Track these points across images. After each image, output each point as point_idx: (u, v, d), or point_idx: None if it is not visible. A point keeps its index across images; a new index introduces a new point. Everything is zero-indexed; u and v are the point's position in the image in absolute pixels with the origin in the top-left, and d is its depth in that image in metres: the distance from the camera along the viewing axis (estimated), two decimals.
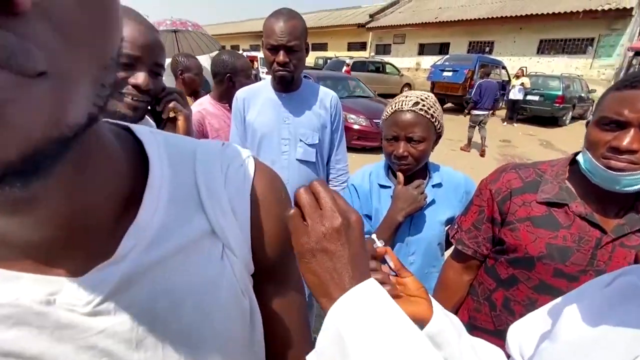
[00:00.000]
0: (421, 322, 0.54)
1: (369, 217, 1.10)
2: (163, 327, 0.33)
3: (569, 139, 7.98)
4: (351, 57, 13.46)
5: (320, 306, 0.38)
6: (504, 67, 11.72)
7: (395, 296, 0.56)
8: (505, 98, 9.87)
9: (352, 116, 6.10)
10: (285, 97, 1.43)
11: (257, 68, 9.88)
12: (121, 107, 0.78)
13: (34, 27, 0.16)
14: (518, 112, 9.76)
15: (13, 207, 0.23)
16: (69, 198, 0.26)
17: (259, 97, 1.45)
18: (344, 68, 11.74)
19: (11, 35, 0.15)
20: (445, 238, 1.10)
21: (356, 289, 0.36)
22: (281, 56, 1.26)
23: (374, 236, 0.61)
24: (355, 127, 6.07)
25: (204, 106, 1.75)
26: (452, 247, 1.02)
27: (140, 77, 0.77)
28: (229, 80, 1.75)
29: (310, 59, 18.74)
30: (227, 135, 1.65)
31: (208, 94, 1.85)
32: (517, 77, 9.43)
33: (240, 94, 1.46)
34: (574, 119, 10.40)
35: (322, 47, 22.03)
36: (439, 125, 1.03)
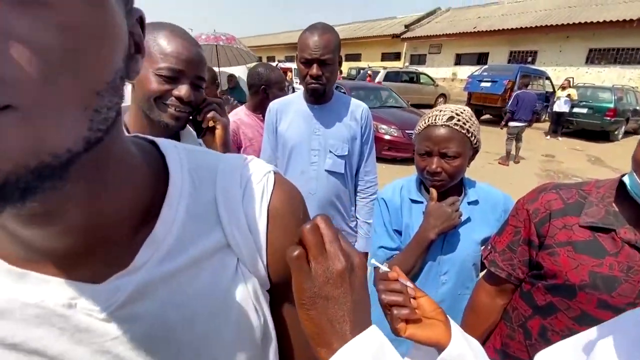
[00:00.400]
0: (438, 346, 0.51)
1: (399, 233, 1.08)
2: (174, 339, 0.33)
3: (622, 155, 7.35)
4: (384, 68, 13.42)
5: (318, 357, 0.35)
6: (547, 78, 11.12)
7: (415, 321, 0.54)
8: (548, 110, 9.31)
9: (384, 126, 6.04)
10: (317, 109, 1.45)
11: (292, 79, 10.13)
12: (165, 117, 0.84)
13: None
14: (563, 125, 9.18)
15: (31, 221, 0.25)
16: (87, 211, 0.28)
17: (291, 108, 1.48)
18: (366, 77, 11.87)
19: None
20: (481, 259, 1.05)
21: (358, 339, 0.33)
22: (314, 69, 1.29)
23: (373, 261, 0.60)
24: (386, 137, 6.00)
25: (239, 116, 1.82)
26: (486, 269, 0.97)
27: (183, 90, 0.82)
28: (263, 92, 1.82)
29: (343, 69, 18.93)
30: (259, 145, 1.70)
31: (243, 105, 1.93)
32: (563, 88, 8.88)
33: (274, 105, 1.51)
34: (627, 133, 9.59)
35: (356, 57, 22.18)
36: (475, 140, 0.99)
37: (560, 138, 9.00)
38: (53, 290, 0.29)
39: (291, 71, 10.58)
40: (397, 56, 20.12)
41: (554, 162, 6.87)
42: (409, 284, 0.56)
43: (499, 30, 14.49)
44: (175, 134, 0.95)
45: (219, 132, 0.95)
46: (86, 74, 0.21)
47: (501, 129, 6.42)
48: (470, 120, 0.98)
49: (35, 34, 0.18)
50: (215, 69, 5.21)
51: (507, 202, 1.07)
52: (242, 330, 0.37)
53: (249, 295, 0.38)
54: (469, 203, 1.04)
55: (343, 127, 1.46)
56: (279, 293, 0.42)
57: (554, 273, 0.77)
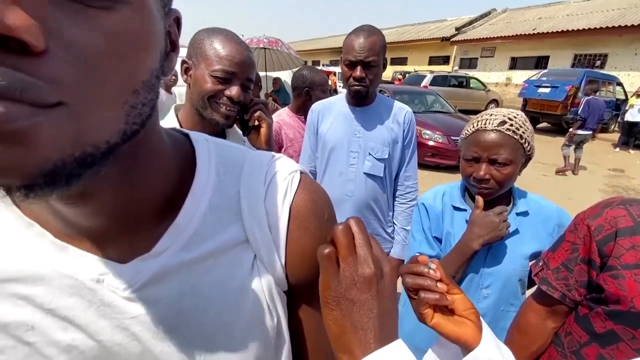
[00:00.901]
0: (466, 347, 0.48)
1: (439, 240, 1.03)
2: (187, 326, 0.34)
3: None
4: (432, 72, 12.99)
5: None
6: (619, 84, 10.01)
7: (444, 310, 0.50)
8: (619, 119, 8.37)
9: (428, 132, 5.84)
10: (359, 111, 1.44)
11: (335, 82, 10.19)
12: (216, 115, 0.91)
13: (47, 64, 0.19)
14: (636, 137, 8.19)
15: (70, 200, 0.27)
16: (119, 195, 0.30)
17: (332, 110, 1.49)
18: (395, 81, 11.45)
19: (22, 75, 0.18)
20: (529, 275, 0.97)
21: (382, 352, 0.31)
22: (358, 71, 1.28)
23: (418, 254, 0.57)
24: (430, 143, 5.79)
25: (281, 117, 1.87)
26: (535, 287, 0.89)
27: (234, 90, 0.89)
28: (306, 94, 1.85)
29: (388, 73, 18.69)
30: (299, 146, 1.72)
31: (287, 107, 1.98)
32: (638, 95, 7.95)
33: (316, 106, 1.53)
34: None
35: (402, 61, 21.73)
36: (529, 147, 0.92)
37: (631, 151, 8.04)
38: (86, 264, 0.32)
39: (334, 75, 10.65)
40: (445, 60, 19.37)
41: (623, 178, 6.14)
42: (436, 272, 0.51)
43: (562, 31, 13.34)
44: (222, 132, 1.00)
45: (263, 130, 1.00)
46: (126, 75, 0.23)
47: (571, 137, 5.81)
48: (524, 125, 0.91)
49: (85, 39, 0.20)
50: (262, 73, 5.43)
51: (562, 216, 0.98)
52: (253, 328, 0.37)
53: (263, 294, 0.38)
54: (517, 214, 0.97)
55: (384, 130, 1.43)
56: (297, 296, 0.42)
57: (618, 298, 0.68)
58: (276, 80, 5.26)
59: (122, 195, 0.30)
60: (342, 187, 1.45)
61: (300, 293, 0.42)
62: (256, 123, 1.00)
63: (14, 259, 0.31)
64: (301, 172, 0.42)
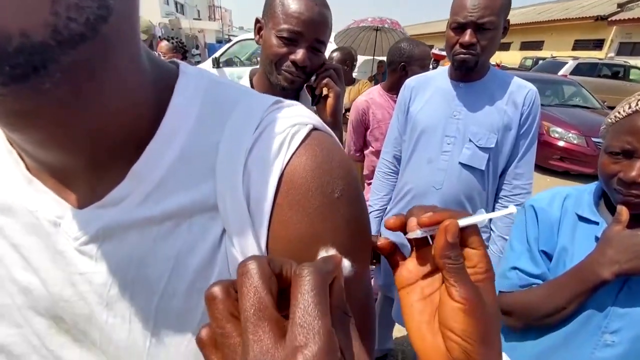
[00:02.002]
0: None
1: (548, 256, 0.78)
2: (132, 300, 0.28)
3: None
4: (575, 58, 10.62)
5: None
6: None
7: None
8: None
9: (558, 129, 4.83)
10: (462, 88, 1.20)
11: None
12: (281, 80, 0.84)
13: None
14: None
15: (10, 122, 0.23)
16: (71, 122, 0.24)
17: (429, 86, 1.28)
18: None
19: None
20: None
21: None
22: (467, 36, 1.05)
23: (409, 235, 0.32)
24: (560, 144, 4.78)
25: (371, 95, 1.73)
26: None
27: (299, 54, 0.81)
28: (402, 69, 1.65)
29: (515, 59, 16.14)
30: (387, 128, 1.57)
31: (379, 84, 1.82)
32: None
33: (410, 82, 1.34)
34: None
35: (536, 45, 18.42)
36: None
37: None
38: (47, 203, 0.29)
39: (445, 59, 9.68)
40: (597, 44, 15.58)
41: None
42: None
43: None
44: (296, 96, 0.94)
45: (330, 100, 0.89)
46: None
47: None
48: None
49: None
50: (368, 57, 5.24)
51: None
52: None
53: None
54: None
55: (494, 112, 1.16)
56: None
57: None
58: (381, 63, 5.04)
59: (76, 124, 0.24)
60: (430, 177, 1.25)
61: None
62: (324, 92, 0.90)
63: None
64: (314, 128, 0.31)
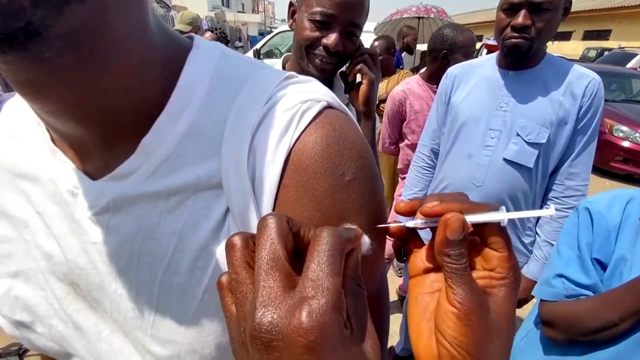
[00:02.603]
0: None
1: (601, 265, 0.69)
2: (138, 273, 0.29)
3: None
4: None
5: None
6: None
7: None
8: None
9: (623, 128, 4.35)
10: (512, 77, 1.09)
11: None
12: (312, 67, 0.81)
13: None
14: None
15: (26, 90, 0.23)
16: (79, 91, 0.24)
17: (474, 74, 1.18)
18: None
19: None
20: None
21: None
22: (520, 17, 0.95)
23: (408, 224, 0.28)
24: (624, 144, 4.31)
25: (409, 85, 1.65)
26: None
27: (331, 38, 0.76)
28: (443, 57, 1.54)
29: (577, 50, 14.71)
30: (425, 120, 1.49)
31: (418, 73, 1.73)
32: None
33: (453, 70, 1.25)
34: None
35: (602, 35, 16.61)
36: None
37: None
38: (65, 173, 0.30)
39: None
40: None
41: None
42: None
43: None
44: (329, 84, 0.90)
45: (363, 87, 0.83)
46: None
47: None
48: None
49: None
50: (394, 45, 5.01)
51: None
52: (212, 307, 0.28)
53: None
54: None
55: (547, 104, 1.05)
56: None
57: None
58: (425, 54, 4.82)
59: (84, 95, 0.24)
60: (469, 173, 1.17)
61: None
62: (358, 79, 0.84)
63: (25, 155, 0.32)
64: (328, 105, 0.29)
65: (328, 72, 0.82)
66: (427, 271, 0.27)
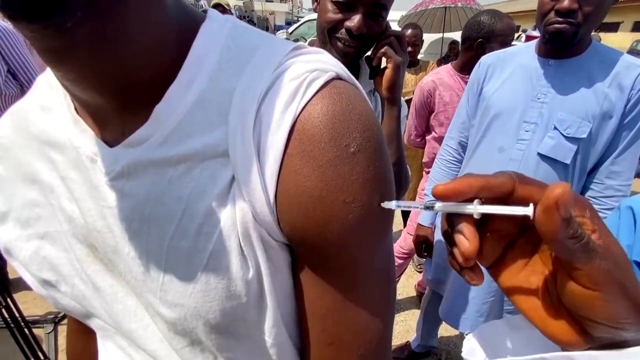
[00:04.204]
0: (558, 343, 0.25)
1: None
2: (148, 236, 0.30)
3: None
4: None
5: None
6: None
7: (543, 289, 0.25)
8: None
9: None
10: (552, 66, 1.02)
11: None
12: (334, 52, 0.77)
13: None
14: None
15: (49, 58, 0.25)
16: (97, 60, 0.25)
17: (510, 63, 1.11)
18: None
19: None
20: None
21: None
22: (566, 1, 0.87)
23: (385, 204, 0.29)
24: None
25: (439, 75, 1.58)
26: None
27: (355, 20, 0.73)
28: (478, 46, 1.46)
29: (625, 42, 13.66)
30: (454, 112, 1.43)
31: (450, 63, 1.65)
32: None
33: (487, 58, 1.18)
34: None
35: None
36: None
37: None
38: (87, 141, 0.31)
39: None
40: None
41: None
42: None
43: None
44: (355, 69, 0.88)
45: (388, 71, 0.78)
46: None
47: None
48: None
49: None
50: (437, 35, 4.81)
51: None
52: (217, 271, 0.29)
53: (234, 231, 0.28)
54: None
55: (591, 96, 0.97)
56: (298, 255, 0.31)
57: None
58: (454, 45, 4.62)
59: (103, 65, 0.26)
60: (499, 168, 1.07)
61: (303, 252, 0.30)
62: (383, 63, 0.80)
63: (52, 124, 0.33)
64: (337, 76, 0.29)
65: (351, 56, 0.78)
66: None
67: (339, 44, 0.76)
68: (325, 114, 0.27)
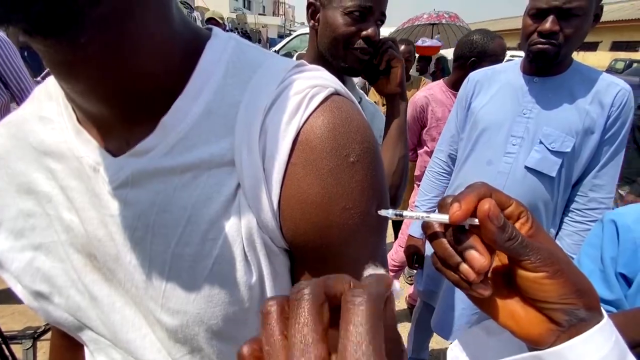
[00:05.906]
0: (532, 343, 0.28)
1: (627, 281, 0.66)
2: (151, 244, 0.31)
3: None
4: None
5: None
6: None
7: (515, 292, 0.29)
8: None
9: None
10: (537, 83, 1.07)
11: None
12: (350, 61, 0.80)
13: None
14: None
15: (59, 70, 0.26)
16: (107, 73, 0.26)
17: (497, 80, 1.16)
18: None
19: None
20: None
21: None
22: (548, 23, 0.92)
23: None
24: None
25: (432, 91, 1.62)
26: None
27: (371, 29, 0.77)
28: (471, 66, 1.50)
29: (603, 61, 14.28)
30: None
31: (442, 79, 1.70)
32: None
33: (475, 75, 1.23)
34: None
35: (631, 46, 16.03)
36: None
37: None
38: (90, 151, 0.32)
39: None
40: None
41: None
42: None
43: None
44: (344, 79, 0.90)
45: (396, 70, 0.84)
46: None
47: None
48: None
49: None
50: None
51: None
52: (221, 276, 0.30)
53: (239, 237, 0.29)
54: None
55: (574, 112, 1.02)
56: (299, 260, 0.32)
57: None
58: (438, 61, 4.75)
59: (111, 78, 0.27)
60: (488, 180, 1.08)
61: (303, 258, 0.31)
62: (384, 65, 0.84)
63: (52, 134, 0.33)
64: (336, 92, 0.31)
65: (364, 63, 0.82)
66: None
67: (357, 53, 0.79)
68: (326, 126, 0.29)
